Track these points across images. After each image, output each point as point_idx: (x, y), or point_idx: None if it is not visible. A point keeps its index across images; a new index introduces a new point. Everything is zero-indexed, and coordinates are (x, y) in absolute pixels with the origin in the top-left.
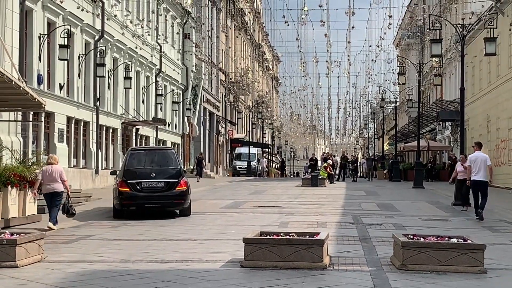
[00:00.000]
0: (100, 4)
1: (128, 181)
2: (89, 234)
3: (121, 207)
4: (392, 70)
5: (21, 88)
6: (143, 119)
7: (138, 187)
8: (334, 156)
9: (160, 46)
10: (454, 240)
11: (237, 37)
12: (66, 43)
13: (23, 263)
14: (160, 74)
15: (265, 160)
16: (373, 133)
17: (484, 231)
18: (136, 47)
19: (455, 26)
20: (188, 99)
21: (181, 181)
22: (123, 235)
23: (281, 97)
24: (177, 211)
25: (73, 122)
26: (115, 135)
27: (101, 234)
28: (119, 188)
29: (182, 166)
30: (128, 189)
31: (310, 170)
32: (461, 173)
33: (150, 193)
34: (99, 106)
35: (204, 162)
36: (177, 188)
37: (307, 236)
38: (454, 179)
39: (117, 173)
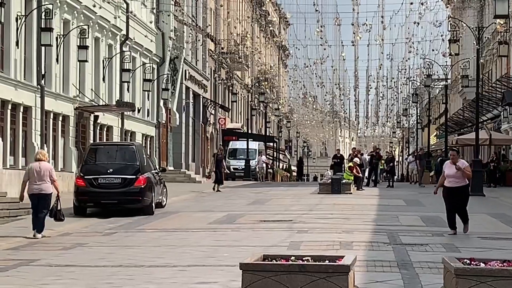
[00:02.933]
0: None
1: (85, 177)
2: (32, 259)
3: (79, 203)
4: (442, 36)
5: None
6: (104, 103)
7: (94, 183)
8: (362, 154)
9: (127, 4)
10: None
11: None
12: None
13: None
14: (127, 42)
15: (264, 157)
16: (415, 122)
17: None
18: (94, 6)
19: None
20: (165, 76)
21: (139, 177)
22: (77, 260)
23: (290, 73)
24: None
25: (9, 107)
26: (66, 124)
27: (48, 258)
28: (76, 183)
29: (145, 162)
30: (84, 185)
31: (333, 171)
32: None
33: (106, 189)
34: (44, 86)
35: (224, 163)
36: (134, 185)
37: (327, 261)
38: None
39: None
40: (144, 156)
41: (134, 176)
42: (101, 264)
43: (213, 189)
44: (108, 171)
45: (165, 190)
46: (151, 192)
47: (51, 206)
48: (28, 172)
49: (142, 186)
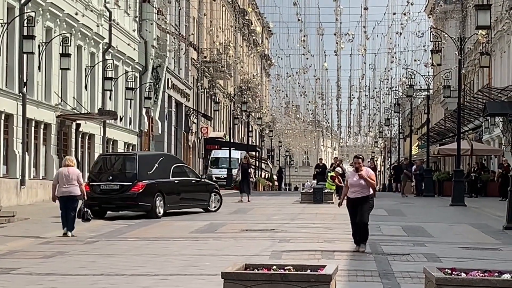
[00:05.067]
0: None
1: (91, 183)
2: (13, 267)
3: (87, 207)
4: (424, 46)
5: None
6: (86, 112)
7: (97, 189)
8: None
9: (110, 12)
10: (506, 276)
11: (214, 0)
12: None
13: None
14: (110, 50)
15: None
16: (397, 132)
17: None
18: (76, 14)
19: None
20: (148, 84)
21: (137, 184)
22: (59, 269)
23: (273, 83)
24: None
25: None
26: (48, 132)
27: (29, 266)
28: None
29: (150, 170)
30: (90, 191)
31: (316, 180)
32: None
33: (106, 195)
34: (26, 94)
35: (251, 172)
36: (131, 191)
37: (309, 271)
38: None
39: None
40: (153, 164)
41: (131, 183)
42: (82, 272)
43: (242, 200)
44: (109, 178)
45: (214, 195)
46: (153, 197)
47: (78, 208)
48: (58, 177)
49: (139, 192)
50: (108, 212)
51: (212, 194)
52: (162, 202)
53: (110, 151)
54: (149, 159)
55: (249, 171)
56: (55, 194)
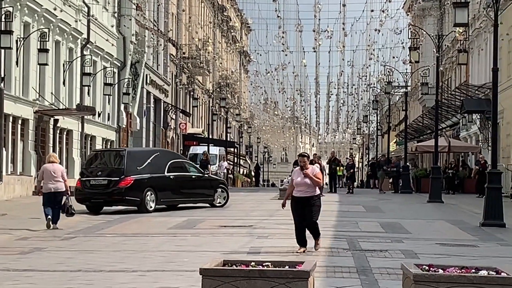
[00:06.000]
0: None
1: (81, 179)
2: None
3: (79, 202)
4: (402, 43)
5: None
6: (64, 107)
7: (87, 184)
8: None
9: (88, 8)
10: (483, 273)
11: None
12: None
13: None
14: (88, 45)
15: (225, 163)
16: (375, 129)
17: None
18: (55, 9)
19: None
20: (126, 80)
21: (124, 179)
22: (36, 265)
23: (252, 79)
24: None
25: None
26: (25, 128)
27: (6, 263)
28: (76, 185)
29: (141, 166)
30: (81, 186)
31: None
32: None
33: (95, 190)
34: (3, 89)
35: (210, 168)
36: (118, 186)
37: (287, 267)
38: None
39: None
40: (144, 160)
41: (118, 178)
42: (60, 268)
43: None
44: (98, 174)
45: (221, 191)
46: (142, 192)
47: (62, 203)
48: (43, 173)
49: (126, 187)
50: (104, 207)
51: (219, 190)
52: (153, 196)
53: (90, 147)
54: (140, 155)
55: (208, 167)
56: (41, 190)
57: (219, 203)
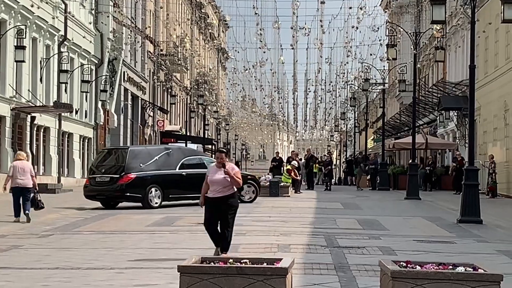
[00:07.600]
0: None
1: (89, 176)
2: None
3: (87, 198)
4: (380, 41)
5: None
6: (41, 104)
7: (93, 181)
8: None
9: (66, 5)
10: (461, 269)
11: None
12: None
13: None
14: (65, 43)
15: None
16: (353, 126)
17: (500, 257)
18: (32, 6)
19: None
20: (104, 77)
21: (124, 176)
22: (13, 262)
23: (229, 76)
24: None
25: None
26: (2, 125)
27: None
28: (85, 182)
29: (142, 163)
30: (88, 183)
31: (272, 174)
32: None
33: (100, 186)
34: None
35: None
36: (118, 182)
37: (265, 264)
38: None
39: None
40: (150, 158)
41: (119, 175)
42: (37, 266)
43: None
44: (102, 171)
45: (248, 187)
46: (145, 189)
47: (31, 197)
48: (13, 169)
49: (126, 183)
50: (120, 204)
51: (245, 186)
52: (159, 193)
53: (67, 145)
54: (145, 153)
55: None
56: (7, 185)
57: (249, 198)
